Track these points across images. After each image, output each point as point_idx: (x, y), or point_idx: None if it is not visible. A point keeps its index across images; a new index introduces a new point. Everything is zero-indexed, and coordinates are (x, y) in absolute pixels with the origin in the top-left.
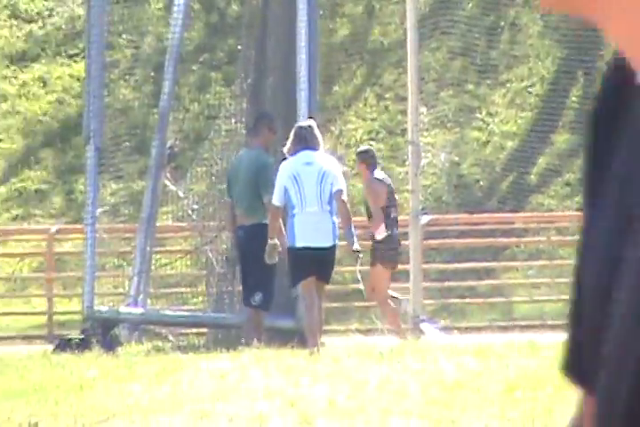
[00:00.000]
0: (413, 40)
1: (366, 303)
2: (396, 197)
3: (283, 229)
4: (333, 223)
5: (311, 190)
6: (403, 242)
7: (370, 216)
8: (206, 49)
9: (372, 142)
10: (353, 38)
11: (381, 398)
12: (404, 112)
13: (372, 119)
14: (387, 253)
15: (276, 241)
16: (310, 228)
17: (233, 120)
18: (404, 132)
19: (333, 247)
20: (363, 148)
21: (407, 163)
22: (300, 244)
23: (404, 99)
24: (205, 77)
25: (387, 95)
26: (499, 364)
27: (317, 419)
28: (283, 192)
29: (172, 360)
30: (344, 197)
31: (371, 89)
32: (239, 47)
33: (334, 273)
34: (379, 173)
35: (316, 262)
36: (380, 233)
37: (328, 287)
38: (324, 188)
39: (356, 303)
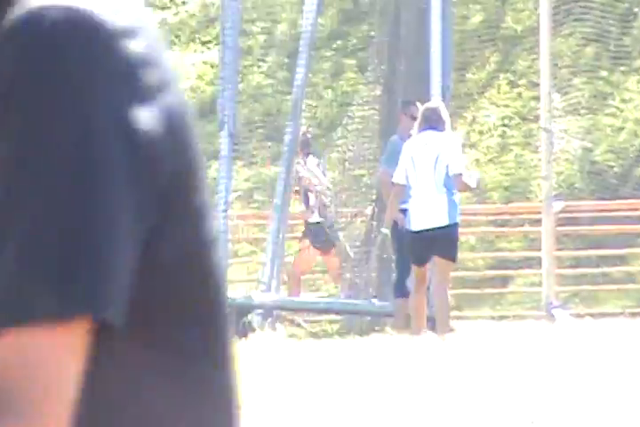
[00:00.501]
0: (547, 26)
1: (499, 290)
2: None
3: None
4: (450, 203)
5: (426, 172)
6: (535, 228)
7: (303, 197)
8: (340, 36)
9: (504, 129)
10: (486, 25)
11: (511, 384)
12: (537, 98)
13: (505, 106)
14: (318, 237)
15: (388, 232)
16: (424, 210)
17: (366, 107)
18: (537, 118)
19: (451, 226)
20: None
21: (540, 149)
22: (414, 227)
23: (538, 85)
24: (339, 64)
25: (520, 82)
26: (634, 351)
27: (447, 406)
28: (404, 172)
29: (306, 347)
30: (466, 179)
31: (504, 75)
32: (372, 34)
33: (467, 260)
34: (312, 159)
35: (434, 243)
36: (315, 217)
37: (461, 274)
38: (440, 169)
39: (490, 290)
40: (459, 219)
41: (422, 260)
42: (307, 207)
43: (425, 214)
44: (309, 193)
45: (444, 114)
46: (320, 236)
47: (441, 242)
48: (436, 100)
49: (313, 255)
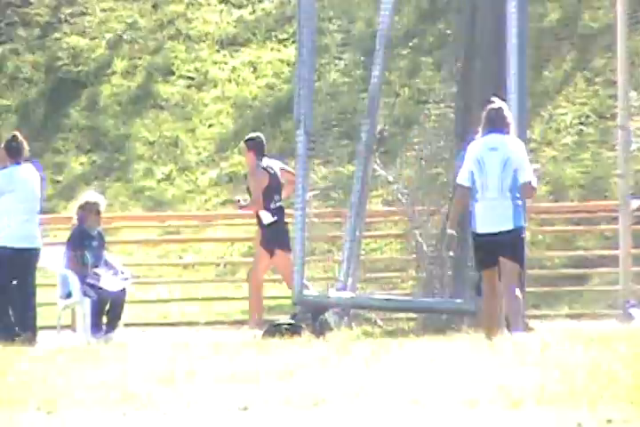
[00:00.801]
0: (623, 25)
1: (577, 288)
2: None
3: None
4: (515, 207)
5: (493, 176)
6: (612, 226)
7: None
8: (416, 34)
9: (581, 127)
10: (563, 23)
11: (591, 383)
12: (614, 96)
13: (582, 104)
14: (274, 238)
15: (454, 232)
16: (489, 214)
17: (442, 105)
18: (613, 116)
19: (516, 230)
20: (251, 135)
21: (617, 147)
22: (480, 230)
23: (615, 83)
24: (415, 62)
25: (597, 80)
26: None
27: (526, 404)
28: (470, 174)
29: (382, 345)
30: (534, 184)
31: (580, 73)
32: (448, 32)
33: (544, 258)
34: (266, 161)
35: (499, 247)
36: (266, 218)
37: (538, 272)
38: (507, 174)
39: (567, 288)
40: (524, 222)
41: (488, 263)
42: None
43: (490, 218)
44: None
45: (509, 115)
46: (269, 237)
47: (506, 246)
48: (499, 101)
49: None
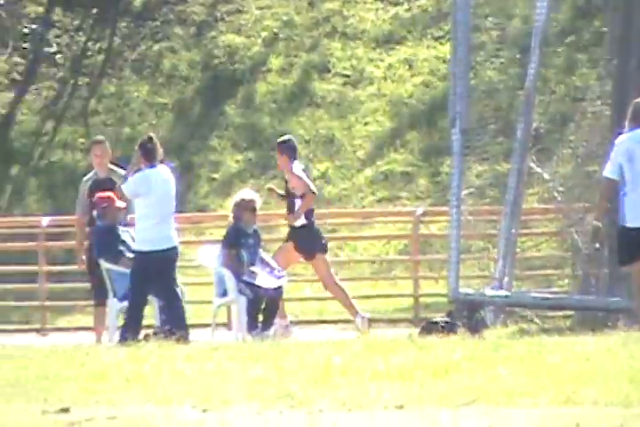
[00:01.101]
0: None
1: None
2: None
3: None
4: None
5: None
6: None
7: (288, 203)
8: (572, 31)
9: None
10: None
11: None
12: None
13: None
14: (305, 240)
15: (599, 224)
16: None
17: (599, 102)
18: None
19: None
20: (283, 138)
21: None
22: (629, 224)
23: None
24: (571, 59)
25: None
26: None
27: None
28: (618, 168)
29: (538, 343)
30: None
31: None
32: (604, 29)
33: None
34: (297, 164)
35: None
36: (301, 220)
37: None
38: None
39: None
40: None
41: (637, 257)
42: (291, 212)
43: None
44: (296, 199)
45: None
46: (306, 240)
47: None
48: None
49: (295, 257)
